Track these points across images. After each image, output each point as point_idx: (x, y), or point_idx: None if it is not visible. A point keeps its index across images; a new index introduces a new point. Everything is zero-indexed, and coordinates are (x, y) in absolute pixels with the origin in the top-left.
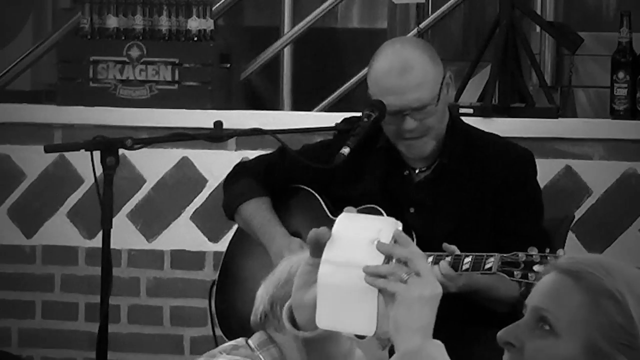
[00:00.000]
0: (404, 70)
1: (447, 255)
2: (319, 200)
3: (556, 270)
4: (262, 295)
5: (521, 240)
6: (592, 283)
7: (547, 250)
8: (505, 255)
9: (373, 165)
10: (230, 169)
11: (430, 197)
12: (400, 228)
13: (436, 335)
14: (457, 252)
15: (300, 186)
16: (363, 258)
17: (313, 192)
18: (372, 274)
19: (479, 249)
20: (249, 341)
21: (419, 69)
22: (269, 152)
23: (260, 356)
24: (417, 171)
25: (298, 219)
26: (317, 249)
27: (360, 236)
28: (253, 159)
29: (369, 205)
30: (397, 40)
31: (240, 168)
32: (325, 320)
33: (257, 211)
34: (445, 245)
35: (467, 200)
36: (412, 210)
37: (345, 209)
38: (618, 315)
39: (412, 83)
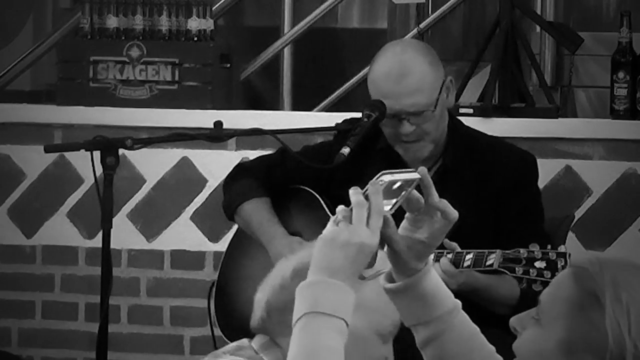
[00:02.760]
0: (401, 75)
1: (449, 252)
2: (319, 201)
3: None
4: (260, 300)
5: (521, 242)
6: (584, 281)
7: (549, 246)
8: (506, 251)
9: (373, 167)
10: (230, 169)
11: None
12: (385, 179)
13: None
14: (458, 249)
15: (300, 187)
16: None
17: (313, 192)
18: (337, 213)
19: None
20: (252, 343)
21: (417, 74)
22: (269, 152)
23: (264, 358)
24: None
25: (298, 220)
26: None
27: None
28: (253, 160)
29: None
30: (399, 43)
31: (240, 168)
32: None
33: (257, 211)
34: (446, 242)
35: (469, 202)
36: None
37: (420, 168)
38: (597, 319)
39: (409, 88)
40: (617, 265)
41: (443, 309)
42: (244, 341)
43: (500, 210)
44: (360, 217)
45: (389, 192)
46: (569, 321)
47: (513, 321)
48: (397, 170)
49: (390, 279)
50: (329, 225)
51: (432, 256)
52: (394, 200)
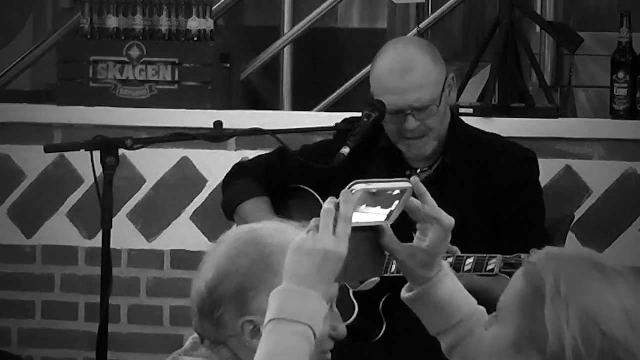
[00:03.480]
0: (406, 70)
1: (449, 256)
2: (318, 201)
3: None
4: (192, 304)
5: (522, 241)
6: (531, 276)
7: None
8: (507, 256)
9: (374, 166)
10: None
11: (434, 197)
12: (357, 188)
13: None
14: (459, 253)
15: (299, 186)
16: None
17: (313, 192)
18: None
19: (481, 249)
20: (205, 340)
21: (421, 69)
22: (268, 152)
23: (215, 356)
24: (418, 171)
25: (298, 219)
26: None
27: None
28: (252, 159)
29: None
30: (400, 40)
31: (239, 168)
32: None
33: (256, 211)
34: (447, 245)
35: (470, 201)
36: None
37: (412, 177)
38: (540, 313)
39: (414, 83)
40: (565, 258)
41: (461, 316)
42: (197, 336)
43: (501, 209)
44: (326, 224)
45: (375, 200)
46: (518, 318)
47: (485, 322)
48: (383, 180)
49: (411, 289)
50: (302, 234)
51: (446, 264)
52: (386, 210)
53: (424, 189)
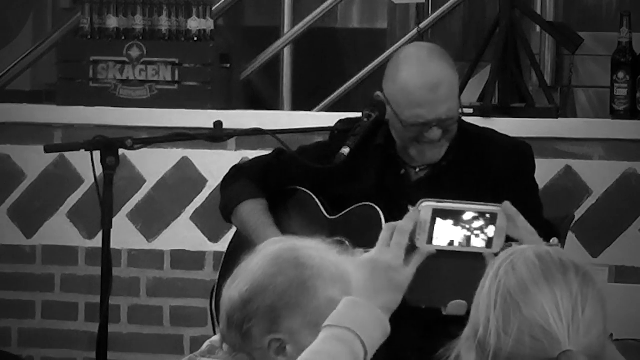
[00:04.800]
0: (436, 85)
1: None
2: (315, 202)
3: None
4: (221, 310)
5: None
6: (490, 267)
7: (554, 240)
8: None
9: (369, 164)
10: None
11: (430, 195)
12: (424, 205)
13: (436, 336)
14: None
15: (297, 187)
16: None
17: (310, 193)
18: None
19: None
20: (223, 346)
21: (448, 81)
22: (268, 152)
23: None
24: (417, 170)
25: (295, 221)
26: None
27: None
28: (250, 161)
29: (364, 203)
30: (421, 49)
31: (237, 170)
32: None
33: (253, 213)
34: None
35: (468, 196)
36: (410, 208)
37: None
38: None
39: (444, 96)
40: (519, 250)
41: None
42: (216, 340)
43: (500, 201)
44: (383, 238)
45: (464, 225)
46: (473, 311)
47: None
48: (460, 201)
49: None
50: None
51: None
52: (482, 236)
53: (514, 210)
